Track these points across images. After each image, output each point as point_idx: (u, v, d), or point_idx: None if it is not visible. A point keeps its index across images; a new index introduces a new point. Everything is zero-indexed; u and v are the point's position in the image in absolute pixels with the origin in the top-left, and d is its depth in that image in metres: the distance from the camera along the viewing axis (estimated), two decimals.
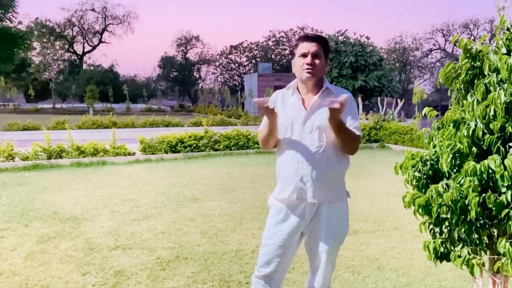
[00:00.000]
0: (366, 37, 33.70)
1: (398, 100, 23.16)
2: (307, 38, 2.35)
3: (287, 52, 53.98)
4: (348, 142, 2.28)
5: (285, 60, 53.99)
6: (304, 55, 2.33)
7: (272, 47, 53.98)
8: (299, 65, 2.34)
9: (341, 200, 2.43)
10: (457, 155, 2.06)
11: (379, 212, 5.54)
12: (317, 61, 2.33)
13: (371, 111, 21.82)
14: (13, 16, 26.29)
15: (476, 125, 2.00)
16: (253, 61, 53.65)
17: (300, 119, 2.33)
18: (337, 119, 2.15)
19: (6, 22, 25.82)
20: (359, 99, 25.92)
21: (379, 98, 25.57)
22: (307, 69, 2.31)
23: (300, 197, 2.33)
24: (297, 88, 2.43)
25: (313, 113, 2.33)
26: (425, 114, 2.33)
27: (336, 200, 2.40)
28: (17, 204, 5.87)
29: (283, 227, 2.40)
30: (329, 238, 2.38)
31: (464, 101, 2.13)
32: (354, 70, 31.17)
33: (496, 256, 2.12)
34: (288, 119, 2.35)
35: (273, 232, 2.42)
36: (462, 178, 1.97)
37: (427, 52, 49.60)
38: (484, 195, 1.93)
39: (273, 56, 53.59)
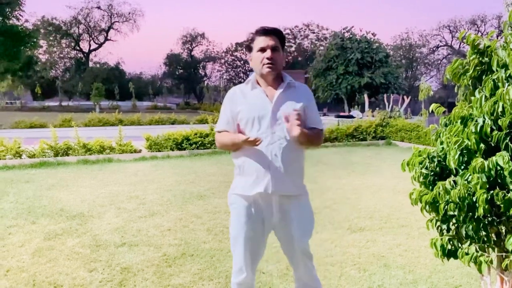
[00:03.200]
0: (372, 34, 33.52)
1: (405, 97, 23.04)
2: (264, 32, 2.34)
3: (293, 49, 53.94)
4: (314, 142, 2.42)
5: (290, 57, 53.87)
6: (263, 50, 2.32)
7: None
8: (259, 60, 2.33)
9: (305, 192, 2.48)
10: (464, 151, 2.04)
11: (385, 209, 5.52)
12: (276, 55, 2.33)
13: (377, 108, 21.71)
14: (19, 15, 26.39)
15: (484, 122, 1.97)
16: None
17: (268, 112, 2.32)
18: (302, 138, 2.26)
19: (13, 20, 25.94)
20: (365, 96, 25.84)
21: (385, 95, 25.43)
22: (268, 64, 2.31)
23: (275, 191, 2.32)
24: (257, 82, 2.41)
25: (280, 105, 2.34)
26: (432, 111, 2.31)
27: (303, 192, 2.45)
28: (25, 201, 5.91)
29: (251, 224, 2.39)
30: (299, 230, 2.43)
31: (472, 97, 2.11)
32: (360, 67, 31.03)
33: (504, 254, 2.10)
34: (254, 113, 2.33)
35: (239, 232, 2.42)
36: (470, 175, 1.95)
37: (434, 49, 49.25)
38: (492, 192, 1.91)
39: None
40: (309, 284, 2.55)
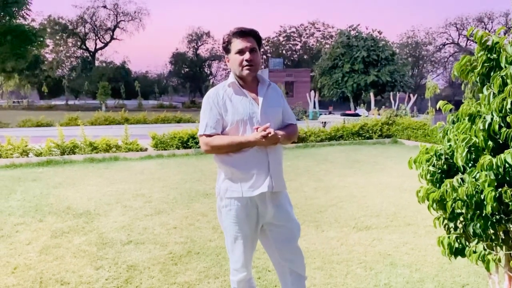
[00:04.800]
0: (379, 32, 33.45)
1: (411, 95, 22.94)
2: (241, 33, 2.34)
3: (298, 47, 53.82)
4: (293, 138, 2.52)
5: (296, 56, 53.77)
6: (241, 52, 2.32)
7: (283, 42, 53.79)
8: (238, 62, 2.33)
9: None
10: (472, 149, 2.02)
11: (391, 208, 5.50)
12: (254, 56, 2.35)
13: (383, 106, 21.64)
14: (26, 14, 26.50)
15: (492, 119, 1.95)
16: (264, 56, 53.56)
17: (256, 114, 2.36)
18: (283, 140, 2.41)
19: (20, 19, 26.08)
20: (371, 94, 25.74)
21: (391, 93, 25.35)
22: (247, 66, 2.32)
23: (276, 189, 2.38)
24: (239, 84, 2.41)
25: (266, 107, 2.39)
26: (439, 108, 2.30)
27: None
28: (32, 199, 5.95)
29: (249, 223, 2.41)
30: (294, 220, 2.50)
31: (480, 94, 2.09)
32: (366, 65, 30.95)
33: None
34: (243, 115, 2.34)
35: (238, 232, 2.42)
36: (478, 172, 1.93)
37: (440, 47, 49.01)
38: (500, 189, 1.89)
39: (284, 51, 53.41)
40: (302, 276, 2.56)
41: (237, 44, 2.33)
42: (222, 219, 2.48)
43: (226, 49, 2.39)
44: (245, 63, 2.32)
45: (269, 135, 2.26)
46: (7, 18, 24.32)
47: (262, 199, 2.38)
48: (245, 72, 2.34)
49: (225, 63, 2.48)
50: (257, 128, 2.30)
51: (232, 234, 2.44)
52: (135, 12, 50.04)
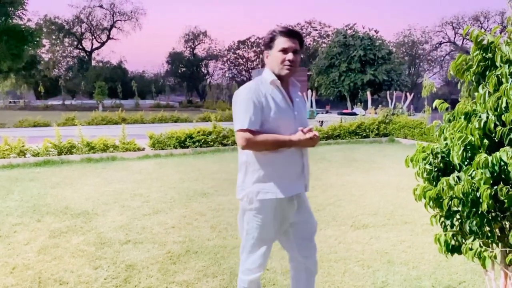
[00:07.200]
0: (375, 31, 33.47)
1: (407, 94, 23.01)
2: (288, 33, 2.33)
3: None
4: None
5: None
6: (285, 51, 2.31)
7: None
8: (279, 60, 2.32)
9: None
10: (468, 147, 2.04)
11: (389, 206, 5.52)
12: (297, 58, 2.35)
13: (380, 105, 21.67)
14: (22, 14, 26.37)
15: (487, 117, 1.98)
16: (261, 56, 53.50)
17: (293, 114, 2.38)
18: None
19: (16, 19, 25.96)
20: (368, 93, 25.78)
21: (388, 92, 25.39)
22: (288, 66, 2.32)
23: (308, 189, 2.45)
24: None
25: (299, 108, 2.44)
26: (435, 107, 2.31)
27: None
28: (29, 199, 5.94)
29: (277, 225, 2.41)
30: (313, 218, 2.60)
31: (476, 93, 2.11)
32: (363, 64, 30.97)
33: (508, 249, 2.11)
34: (283, 115, 2.34)
35: (266, 234, 2.41)
36: (474, 170, 1.96)
37: (437, 45, 49.10)
38: (496, 187, 1.91)
39: None
40: (315, 272, 2.59)
41: (282, 42, 2.31)
42: (244, 221, 2.41)
43: (268, 45, 2.36)
44: (287, 62, 2.31)
45: (314, 136, 2.29)
46: (3, 18, 24.20)
47: (290, 199, 2.39)
48: (285, 72, 2.33)
49: (264, 57, 2.42)
50: (302, 130, 2.30)
51: (255, 236, 2.40)
52: (131, 12, 49.97)
